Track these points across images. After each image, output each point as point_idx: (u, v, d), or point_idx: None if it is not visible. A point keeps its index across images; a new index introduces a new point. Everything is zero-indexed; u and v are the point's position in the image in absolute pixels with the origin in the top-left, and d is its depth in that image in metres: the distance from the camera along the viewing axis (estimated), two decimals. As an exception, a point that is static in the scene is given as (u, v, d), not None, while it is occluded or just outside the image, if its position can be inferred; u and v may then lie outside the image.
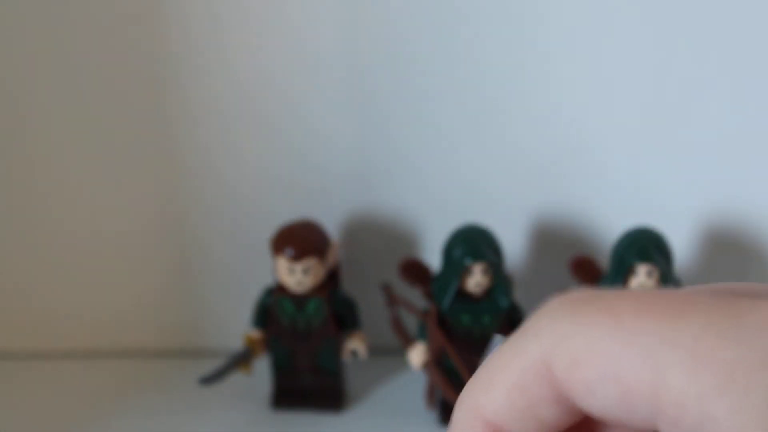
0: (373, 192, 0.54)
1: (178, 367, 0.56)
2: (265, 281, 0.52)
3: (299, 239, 0.48)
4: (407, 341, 0.49)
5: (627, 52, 0.49)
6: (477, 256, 0.47)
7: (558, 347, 0.18)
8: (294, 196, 0.54)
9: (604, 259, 0.50)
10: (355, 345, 0.50)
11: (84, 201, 0.55)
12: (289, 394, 0.51)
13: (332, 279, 0.51)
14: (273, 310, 0.50)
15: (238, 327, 0.53)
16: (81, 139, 0.54)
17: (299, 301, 0.49)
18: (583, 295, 0.18)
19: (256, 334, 0.50)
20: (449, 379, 0.48)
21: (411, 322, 0.52)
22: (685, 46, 0.49)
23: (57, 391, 0.54)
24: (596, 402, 0.17)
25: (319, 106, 0.52)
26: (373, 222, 0.54)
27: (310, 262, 0.48)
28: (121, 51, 0.52)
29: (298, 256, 0.48)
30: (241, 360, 0.50)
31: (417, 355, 0.48)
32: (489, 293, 0.48)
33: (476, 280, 0.47)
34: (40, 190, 0.55)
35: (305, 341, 0.50)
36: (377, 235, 0.54)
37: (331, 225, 0.53)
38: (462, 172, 0.52)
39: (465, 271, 0.47)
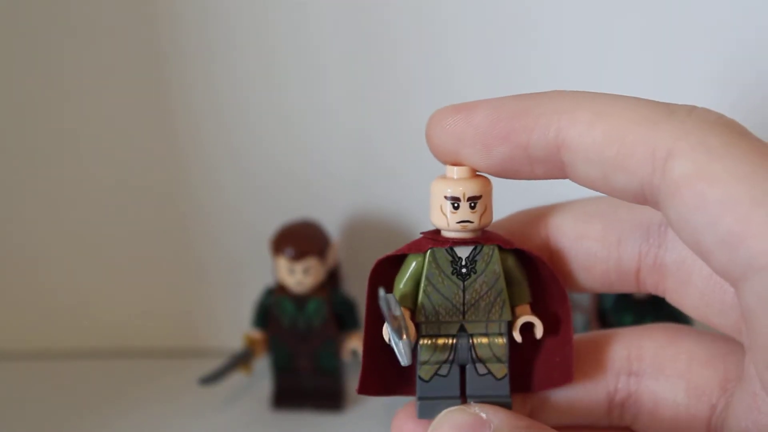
0: (373, 192, 0.54)
1: (178, 367, 0.56)
2: (265, 281, 0.52)
3: (299, 239, 0.48)
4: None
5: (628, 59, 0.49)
6: None
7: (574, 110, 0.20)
8: (294, 196, 0.54)
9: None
10: (356, 345, 0.50)
11: (84, 201, 0.55)
12: (289, 394, 0.51)
13: (332, 279, 0.51)
14: (273, 310, 0.50)
15: (238, 327, 0.53)
16: (81, 139, 0.54)
17: (299, 301, 0.49)
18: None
19: (256, 334, 0.50)
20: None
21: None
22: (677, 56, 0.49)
23: (57, 391, 0.54)
24: (594, 161, 0.20)
25: (319, 107, 0.52)
26: (373, 222, 0.54)
27: (310, 262, 0.48)
28: (126, 51, 0.52)
29: (298, 256, 0.48)
30: (241, 360, 0.50)
31: None
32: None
33: None
34: (40, 189, 0.56)
35: (305, 341, 0.50)
36: (377, 235, 0.54)
37: (331, 225, 0.53)
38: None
39: None
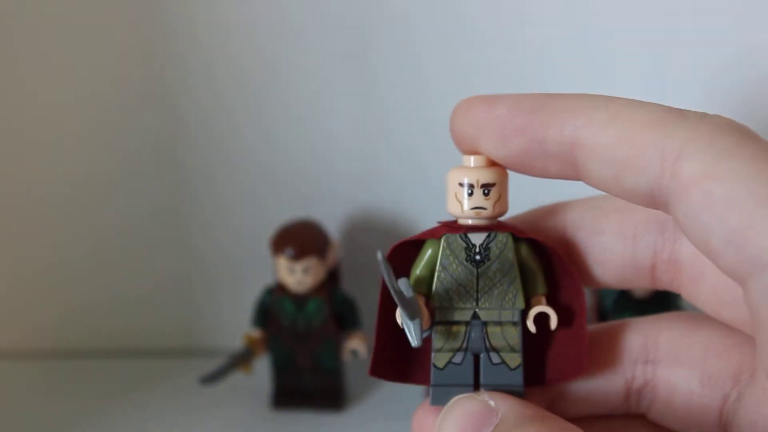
0: (373, 192, 0.54)
1: (178, 367, 0.56)
2: (265, 281, 0.52)
3: (299, 239, 0.48)
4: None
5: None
6: None
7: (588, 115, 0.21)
8: (294, 196, 0.54)
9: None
10: (355, 345, 0.50)
11: (83, 200, 0.55)
12: (289, 394, 0.51)
13: (332, 278, 0.51)
14: (273, 309, 0.50)
15: (238, 327, 0.53)
16: (81, 138, 0.54)
17: (299, 300, 0.49)
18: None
19: (256, 333, 0.50)
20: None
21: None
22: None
23: (57, 391, 0.54)
24: (606, 160, 0.21)
25: (319, 107, 0.52)
26: (373, 222, 0.54)
27: (310, 262, 0.48)
28: (123, 49, 0.52)
29: (298, 256, 0.48)
30: (241, 360, 0.50)
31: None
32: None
33: None
34: (39, 188, 0.55)
35: (305, 341, 0.50)
36: (377, 235, 0.54)
37: (331, 225, 0.53)
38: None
39: None
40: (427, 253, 0.25)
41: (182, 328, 0.58)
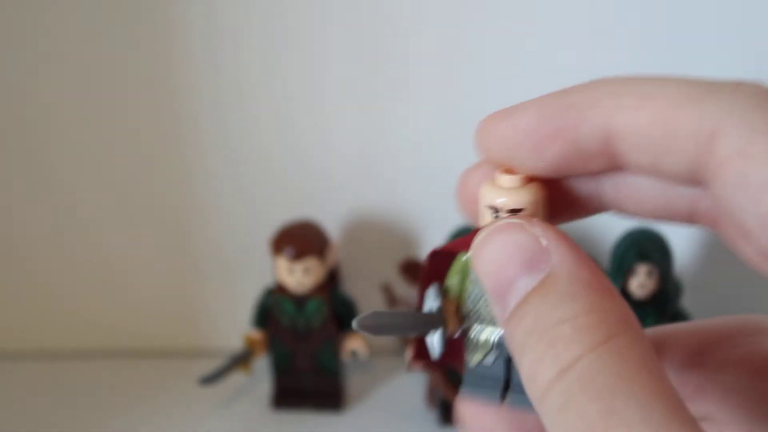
0: (373, 193, 0.54)
1: (178, 367, 0.56)
2: (265, 281, 0.52)
3: (299, 239, 0.48)
4: (407, 341, 0.49)
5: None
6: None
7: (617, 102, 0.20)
8: (294, 196, 0.54)
9: (605, 258, 0.50)
10: (355, 345, 0.50)
11: (84, 201, 0.55)
12: (289, 394, 0.51)
13: (332, 279, 0.51)
14: (273, 310, 0.50)
15: (238, 327, 0.53)
16: (82, 140, 0.54)
17: (299, 301, 0.49)
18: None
19: (256, 334, 0.50)
20: (449, 378, 0.48)
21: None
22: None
23: (57, 391, 0.54)
24: (642, 145, 0.19)
25: (319, 107, 0.52)
26: (373, 222, 0.54)
27: (310, 262, 0.48)
28: (131, 56, 0.52)
29: (298, 256, 0.48)
30: (241, 360, 0.50)
31: None
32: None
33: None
34: (40, 189, 0.56)
35: (305, 341, 0.50)
36: (377, 235, 0.54)
37: (331, 225, 0.53)
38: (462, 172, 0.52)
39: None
40: (461, 261, 0.25)
41: (182, 328, 0.58)
